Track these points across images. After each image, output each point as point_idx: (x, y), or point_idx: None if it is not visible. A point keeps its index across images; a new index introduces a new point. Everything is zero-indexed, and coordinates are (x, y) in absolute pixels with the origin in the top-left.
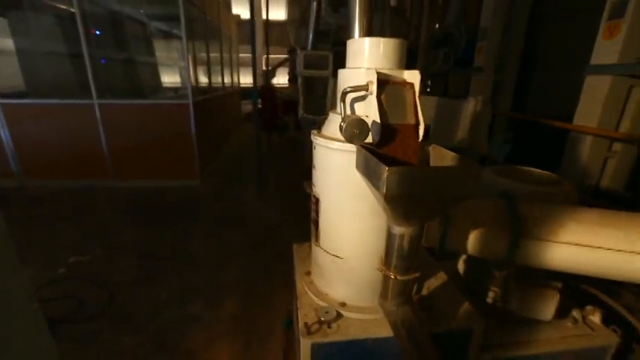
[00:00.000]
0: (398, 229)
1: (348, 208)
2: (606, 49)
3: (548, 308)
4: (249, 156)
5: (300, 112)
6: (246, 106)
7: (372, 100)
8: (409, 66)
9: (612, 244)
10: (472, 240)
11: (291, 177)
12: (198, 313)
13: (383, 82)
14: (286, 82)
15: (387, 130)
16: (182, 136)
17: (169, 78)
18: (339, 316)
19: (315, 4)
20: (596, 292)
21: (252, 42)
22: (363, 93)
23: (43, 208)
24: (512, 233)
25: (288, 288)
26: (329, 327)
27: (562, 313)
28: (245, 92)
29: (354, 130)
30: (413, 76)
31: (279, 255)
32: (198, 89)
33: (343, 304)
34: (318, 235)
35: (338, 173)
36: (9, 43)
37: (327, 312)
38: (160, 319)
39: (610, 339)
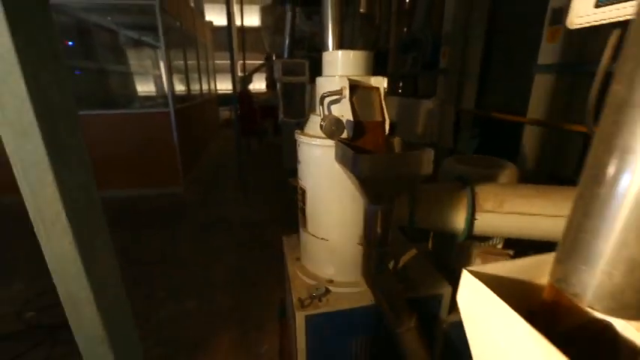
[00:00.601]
0: (372, 208)
1: (331, 195)
2: (549, 51)
3: None
4: (230, 161)
5: (281, 116)
6: (224, 113)
7: (346, 103)
8: (381, 69)
9: (544, 211)
10: (436, 217)
11: (272, 180)
12: (193, 309)
13: (354, 87)
14: (263, 87)
15: (359, 126)
16: (164, 143)
17: (143, 87)
18: (327, 291)
19: (289, 13)
20: None
21: (230, 49)
22: (337, 96)
23: (24, 222)
24: (468, 208)
25: (278, 281)
26: (320, 301)
27: None
28: (222, 98)
29: (333, 128)
30: (378, 82)
31: (267, 253)
32: (176, 97)
33: (331, 282)
34: (306, 222)
35: (320, 166)
36: None
37: (317, 289)
38: (157, 317)
39: None
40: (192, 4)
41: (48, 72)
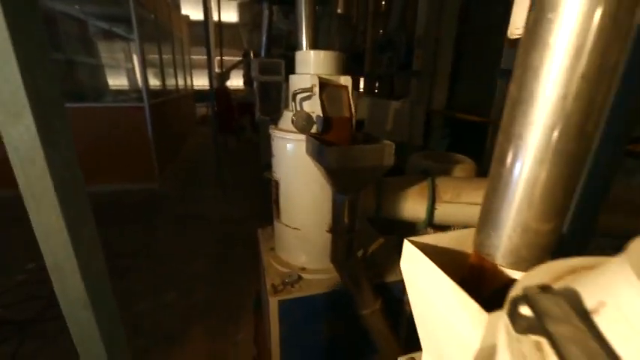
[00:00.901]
0: (340, 197)
1: (302, 186)
2: (511, 56)
3: None
4: (208, 158)
5: (257, 113)
6: (201, 109)
7: (316, 99)
8: (358, 69)
9: None
10: (400, 207)
11: (251, 176)
12: (172, 301)
13: (323, 85)
14: (241, 84)
15: (328, 121)
16: (139, 138)
17: (115, 80)
18: (300, 278)
19: (267, 11)
20: None
21: (207, 44)
22: (308, 94)
23: (3, 211)
24: (428, 199)
25: (255, 275)
26: (292, 287)
27: None
28: (199, 95)
29: (304, 123)
30: (347, 80)
31: (245, 249)
32: (151, 92)
33: (303, 269)
34: (279, 213)
35: (292, 159)
36: None
37: (290, 276)
38: (136, 309)
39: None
40: None
41: (37, 62)
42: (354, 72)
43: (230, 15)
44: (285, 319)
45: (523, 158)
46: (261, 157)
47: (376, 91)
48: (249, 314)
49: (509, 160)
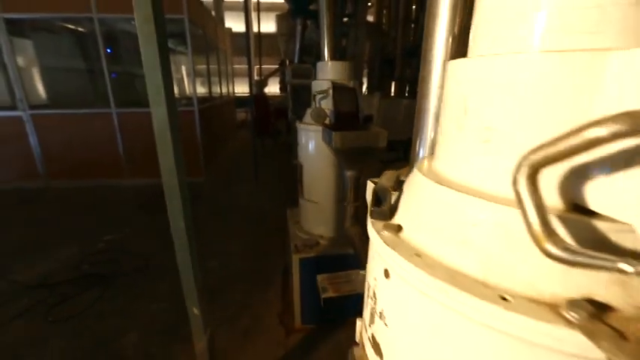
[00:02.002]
0: (348, 173)
1: (320, 168)
2: None
3: None
4: (246, 158)
5: (290, 114)
6: (240, 114)
7: (330, 99)
8: (389, 72)
9: None
10: None
11: (283, 174)
12: (214, 267)
13: (336, 87)
14: (277, 90)
15: (339, 115)
16: (189, 138)
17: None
18: (318, 243)
19: (299, 26)
20: None
21: (247, 55)
22: (325, 94)
23: (71, 201)
24: None
25: (283, 252)
26: (311, 249)
27: None
28: (239, 101)
29: (317, 115)
30: (355, 84)
31: (275, 230)
32: (199, 98)
33: (321, 237)
34: (303, 190)
35: (312, 146)
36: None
37: (309, 240)
38: None
39: None
40: (213, 13)
41: (167, 73)
42: (386, 76)
43: (269, 25)
44: (304, 273)
45: (425, 151)
46: (292, 151)
47: (406, 94)
48: (278, 281)
49: (419, 155)
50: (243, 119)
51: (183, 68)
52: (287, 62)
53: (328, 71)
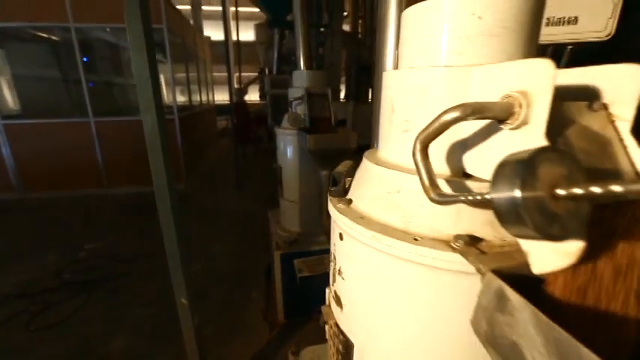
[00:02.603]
0: (322, 172)
1: (297, 169)
2: None
3: None
4: (227, 165)
5: (269, 120)
6: (221, 122)
7: (305, 105)
8: (366, 79)
9: None
10: None
11: (264, 180)
12: (198, 270)
13: (310, 94)
14: (257, 98)
15: (313, 120)
16: (169, 146)
17: None
18: (296, 240)
19: (277, 35)
20: None
21: (227, 64)
22: (300, 101)
23: (53, 211)
24: None
25: (265, 251)
26: (290, 245)
27: None
28: (220, 109)
29: (292, 120)
30: (327, 91)
31: (257, 232)
32: (180, 107)
33: (300, 233)
34: (282, 191)
35: (290, 149)
36: (7, 71)
37: (289, 236)
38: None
39: None
40: (191, 22)
41: (156, 85)
42: (362, 83)
43: (248, 34)
44: (285, 268)
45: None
46: (274, 156)
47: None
48: (261, 280)
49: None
50: (224, 127)
51: (162, 77)
52: (266, 71)
53: (303, 79)
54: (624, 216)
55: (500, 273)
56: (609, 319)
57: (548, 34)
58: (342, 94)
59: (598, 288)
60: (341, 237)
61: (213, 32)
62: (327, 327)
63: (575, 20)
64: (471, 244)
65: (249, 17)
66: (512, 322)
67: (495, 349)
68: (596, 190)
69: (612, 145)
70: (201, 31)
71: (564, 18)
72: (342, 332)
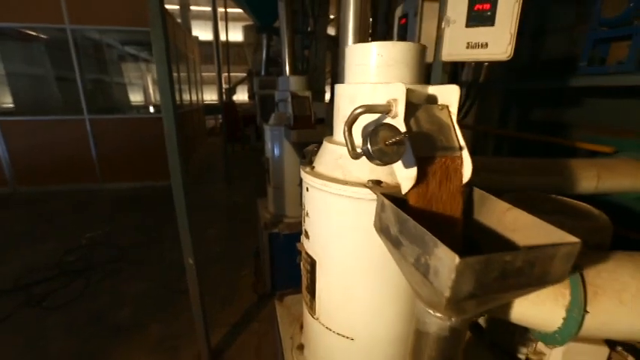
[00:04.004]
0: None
1: (283, 159)
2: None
3: None
4: (216, 162)
5: (258, 119)
6: (209, 121)
7: (290, 105)
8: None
9: None
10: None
11: (252, 175)
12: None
13: (294, 96)
14: (246, 98)
15: (296, 118)
16: (163, 143)
17: (134, 97)
18: (281, 221)
19: (265, 39)
20: None
21: (217, 64)
22: (286, 102)
23: (49, 204)
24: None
25: (254, 238)
26: (276, 226)
27: None
28: (208, 108)
29: (280, 118)
30: (308, 94)
31: (246, 221)
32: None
33: (285, 216)
34: (269, 179)
35: (276, 142)
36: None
37: (276, 219)
38: (168, 258)
39: None
40: (179, 21)
41: (172, 81)
42: None
43: (236, 35)
44: (272, 246)
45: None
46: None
47: None
48: (250, 261)
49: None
50: (212, 126)
51: (149, 77)
52: (254, 72)
53: (288, 83)
54: (439, 160)
55: (385, 195)
56: (439, 209)
57: (470, 54)
58: (328, 96)
59: (430, 195)
60: (307, 189)
61: (201, 32)
62: (302, 255)
63: (486, 45)
64: (376, 184)
65: (237, 18)
66: (386, 216)
67: (381, 232)
68: (402, 141)
69: (448, 127)
70: (189, 31)
71: (479, 43)
72: (309, 255)
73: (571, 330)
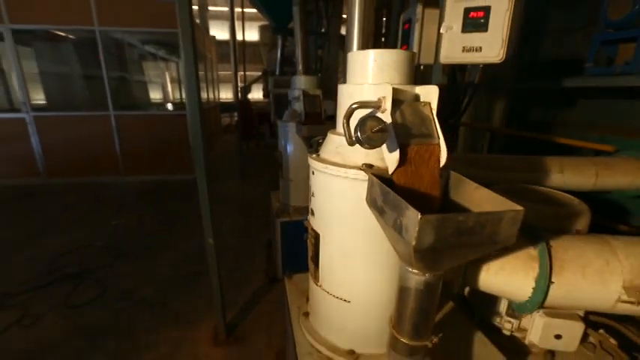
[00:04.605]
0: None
1: (294, 154)
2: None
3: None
4: (231, 159)
5: (273, 116)
6: (225, 119)
7: (301, 103)
8: None
9: None
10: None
11: (266, 171)
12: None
13: (305, 94)
14: (260, 96)
15: (307, 114)
16: (182, 140)
17: (153, 94)
18: (294, 211)
19: (280, 40)
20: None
21: (234, 64)
22: (298, 99)
23: (77, 194)
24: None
25: (266, 228)
26: (289, 214)
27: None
28: (223, 106)
29: (292, 115)
30: (319, 92)
31: (260, 214)
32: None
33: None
34: (282, 172)
35: (289, 137)
36: (35, 68)
37: (287, 208)
38: (185, 245)
39: None
40: (197, 21)
41: (197, 79)
42: None
43: (252, 34)
44: (284, 234)
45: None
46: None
47: None
48: (263, 251)
49: None
50: (227, 124)
51: (167, 75)
52: (269, 72)
53: (301, 83)
54: (420, 146)
55: (375, 175)
56: (420, 188)
57: (465, 57)
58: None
59: (411, 175)
60: (313, 172)
61: (217, 32)
62: (308, 231)
63: (480, 49)
64: (368, 167)
65: (253, 18)
66: (374, 190)
67: (371, 205)
68: (385, 129)
69: (429, 120)
70: (207, 30)
71: (473, 47)
72: (314, 230)
73: (538, 298)
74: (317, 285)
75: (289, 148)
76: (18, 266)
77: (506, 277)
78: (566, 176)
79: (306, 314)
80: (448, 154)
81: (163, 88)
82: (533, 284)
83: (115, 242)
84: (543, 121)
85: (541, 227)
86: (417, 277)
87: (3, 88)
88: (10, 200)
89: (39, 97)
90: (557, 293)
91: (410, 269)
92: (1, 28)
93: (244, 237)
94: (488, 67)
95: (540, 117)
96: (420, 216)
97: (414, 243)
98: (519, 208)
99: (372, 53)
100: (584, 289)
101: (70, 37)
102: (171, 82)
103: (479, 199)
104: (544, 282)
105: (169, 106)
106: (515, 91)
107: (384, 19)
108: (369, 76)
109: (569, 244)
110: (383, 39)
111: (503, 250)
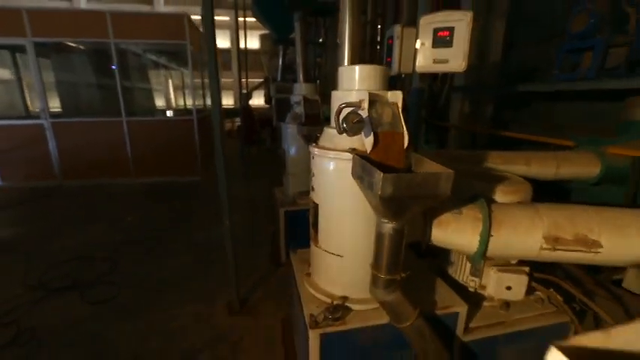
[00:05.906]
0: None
1: (296, 152)
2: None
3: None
4: (234, 162)
5: (275, 120)
6: (226, 125)
7: (302, 107)
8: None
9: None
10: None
11: (267, 174)
12: (217, 235)
13: (306, 99)
14: (261, 102)
15: (307, 117)
16: (189, 143)
17: (158, 102)
18: (296, 201)
19: (282, 50)
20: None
21: (239, 71)
22: (299, 104)
23: (93, 195)
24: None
25: (271, 223)
26: (291, 204)
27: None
28: (226, 112)
29: (294, 117)
30: (317, 97)
31: (263, 213)
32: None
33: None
34: (285, 168)
35: (291, 138)
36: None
37: (293, 198)
38: (196, 236)
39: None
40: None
41: (218, 88)
42: None
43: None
44: (287, 222)
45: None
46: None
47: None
48: (268, 243)
49: None
50: (228, 129)
51: (170, 82)
52: (270, 79)
53: (302, 89)
54: (389, 133)
55: (357, 154)
56: (389, 163)
57: (436, 67)
58: None
59: (382, 154)
60: (313, 157)
61: (219, 40)
62: (310, 205)
63: (447, 61)
64: (353, 150)
65: (253, 27)
66: (357, 165)
67: (355, 176)
68: (362, 120)
69: (396, 116)
70: None
71: (442, 59)
72: (314, 202)
73: (482, 248)
74: (317, 246)
75: (291, 146)
76: (53, 254)
77: (460, 234)
78: (532, 167)
79: (308, 274)
80: (409, 139)
81: (166, 96)
82: (478, 238)
83: (131, 235)
84: (519, 120)
85: (490, 198)
86: (387, 225)
87: (20, 96)
88: (29, 200)
89: (54, 105)
90: (496, 245)
91: (382, 219)
92: (24, 40)
93: (251, 230)
94: (474, 75)
95: (516, 117)
96: (382, 175)
97: (379, 193)
98: (451, 171)
99: (356, 68)
100: (516, 240)
101: (81, 47)
102: (174, 89)
103: (429, 169)
104: (485, 235)
105: (169, 112)
106: (497, 96)
107: (379, 26)
108: (354, 84)
109: (506, 209)
110: (378, 47)
111: (458, 213)
